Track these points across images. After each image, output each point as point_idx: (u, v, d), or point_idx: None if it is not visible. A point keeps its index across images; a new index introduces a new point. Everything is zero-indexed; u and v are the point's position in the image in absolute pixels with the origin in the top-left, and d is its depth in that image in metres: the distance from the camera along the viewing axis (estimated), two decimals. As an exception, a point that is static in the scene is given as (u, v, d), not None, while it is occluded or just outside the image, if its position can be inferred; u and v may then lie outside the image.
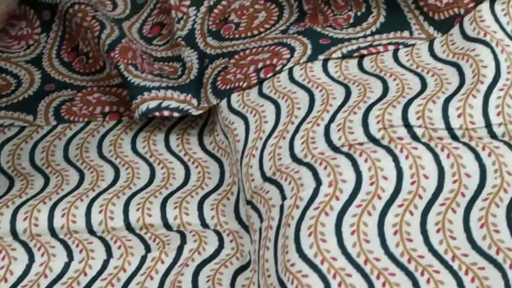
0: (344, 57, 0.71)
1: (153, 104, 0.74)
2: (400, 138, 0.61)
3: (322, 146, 0.62)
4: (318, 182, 0.59)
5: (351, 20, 0.77)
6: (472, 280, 0.53)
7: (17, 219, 0.68)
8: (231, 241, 0.66)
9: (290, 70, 0.71)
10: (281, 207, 0.60)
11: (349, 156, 0.60)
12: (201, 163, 0.73)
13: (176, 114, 0.74)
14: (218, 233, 0.66)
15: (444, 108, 0.62)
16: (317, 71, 0.70)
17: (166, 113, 0.74)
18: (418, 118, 0.62)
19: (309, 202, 0.58)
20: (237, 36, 0.78)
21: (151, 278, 0.63)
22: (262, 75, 0.72)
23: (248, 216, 0.65)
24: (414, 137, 0.61)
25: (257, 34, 0.78)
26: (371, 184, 0.58)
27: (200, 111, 0.74)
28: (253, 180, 0.64)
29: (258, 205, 0.63)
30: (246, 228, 0.67)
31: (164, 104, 0.74)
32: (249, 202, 0.64)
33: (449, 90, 0.64)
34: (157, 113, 0.74)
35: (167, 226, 0.67)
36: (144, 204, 0.68)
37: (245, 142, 0.67)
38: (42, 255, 0.65)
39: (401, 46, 0.71)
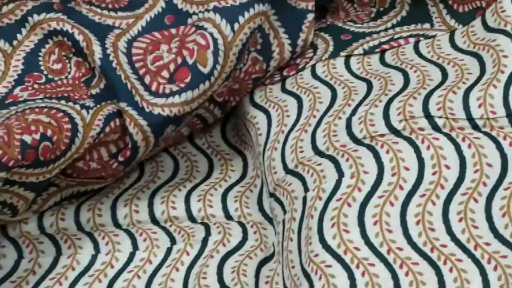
0: (366, 52, 0.72)
1: None
2: (421, 129, 0.61)
3: (344, 138, 0.62)
4: (340, 174, 0.60)
5: (373, 15, 0.77)
6: (495, 268, 0.53)
7: (44, 214, 0.69)
8: (254, 232, 0.66)
9: (313, 67, 0.71)
10: (304, 199, 0.60)
11: (370, 148, 0.61)
12: (224, 156, 0.74)
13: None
14: (242, 225, 0.67)
15: (464, 98, 0.63)
16: (340, 68, 0.70)
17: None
18: (439, 109, 0.62)
19: (331, 193, 0.59)
20: None
21: (177, 269, 0.64)
22: (285, 73, 0.72)
23: (272, 208, 0.65)
24: (435, 127, 0.61)
25: None
26: (393, 175, 0.59)
27: None
28: (275, 173, 0.65)
29: (281, 197, 0.63)
30: (269, 220, 0.67)
31: None
32: (272, 195, 0.65)
33: (469, 81, 0.64)
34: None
35: (192, 218, 0.68)
36: (168, 197, 0.69)
37: (267, 135, 0.68)
38: (69, 247, 0.67)
39: (421, 38, 0.71)
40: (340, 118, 0.64)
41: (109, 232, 0.68)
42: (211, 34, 0.67)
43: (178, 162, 0.74)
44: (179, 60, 0.68)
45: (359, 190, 0.58)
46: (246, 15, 0.68)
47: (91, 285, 0.64)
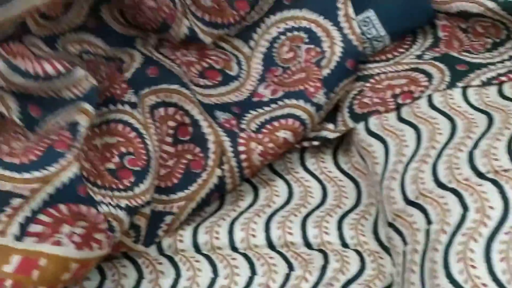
0: (483, 84, 0.71)
1: None
2: (549, 166, 0.61)
3: (466, 172, 0.63)
4: (465, 208, 0.60)
5: (488, 46, 0.77)
6: None
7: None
8: (372, 261, 0.67)
9: (429, 96, 0.71)
10: (427, 231, 0.61)
11: (495, 183, 0.61)
12: (337, 182, 0.75)
13: (315, 143, 0.76)
14: (359, 253, 0.68)
15: None
16: (457, 98, 0.70)
17: (306, 144, 0.76)
18: None
19: (456, 228, 0.59)
20: (371, 59, 0.79)
21: None
22: (400, 100, 0.73)
23: (389, 238, 0.66)
24: None
25: (391, 58, 0.79)
26: (519, 211, 0.59)
27: (337, 134, 0.76)
28: (394, 203, 0.65)
29: (401, 228, 0.64)
30: (386, 249, 0.68)
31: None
32: (390, 224, 0.65)
33: None
34: (297, 146, 0.76)
35: (308, 244, 0.69)
36: (284, 222, 0.70)
37: (385, 165, 0.68)
38: (188, 269, 0.68)
39: (542, 71, 0.71)
40: (461, 150, 0.65)
41: (226, 255, 0.69)
42: None
43: (292, 187, 0.75)
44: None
45: (485, 225, 0.58)
46: None
47: (211, 308, 0.66)
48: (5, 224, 0.58)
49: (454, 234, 0.59)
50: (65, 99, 0.63)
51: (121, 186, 0.65)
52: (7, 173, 0.60)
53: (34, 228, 0.59)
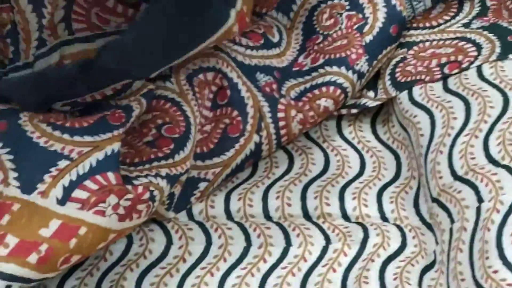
0: None
1: None
2: None
3: (522, 148, 0.60)
4: (520, 186, 0.57)
5: None
6: None
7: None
8: (413, 237, 0.64)
9: (479, 68, 0.68)
10: (478, 209, 0.58)
11: (552, 161, 0.58)
12: (376, 152, 0.72)
13: (354, 111, 0.73)
14: (399, 228, 0.65)
15: None
16: (509, 71, 0.66)
17: (344, 111, 0.73)
18: None
19: (511, 207, 0.56)
20: (414, 26, 0.76)
21: (334, 270, 0.62)
22: (446, 70, 0.69)
23: (434, 214, 0.63)
24: None
25: (436, 25, 0.76)
26: None
27: (378, 103, 0.72)
28: (441, 177, 0.62)
29: (448, 204, 0.61)
30: (427, 225, 0.65)
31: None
32: (435, 200, 0.62)
33: None
34: (335, 113, 0.73)
35: (345, 217, 0.66)
36: (321, 192, 0.67)
37: (431, 137, 0.65)
38: (219, 237, 0.65)
39: None
40: (515, 126, 0.61)
41: (260, 224, 0.66)
42: None
43: (329, 156, 0.71)
44: None
45: (542, 206, 0.56)
46: None
47: (243, 278, 0.63)
48: (49, 185, 0.55)
49: (508, 213, 0.56)
50: (122, 106, 0.62)
51: (160, 155, 0.63)
52: (57, 133, 0.57)
53: (79, 193, 0.55)
